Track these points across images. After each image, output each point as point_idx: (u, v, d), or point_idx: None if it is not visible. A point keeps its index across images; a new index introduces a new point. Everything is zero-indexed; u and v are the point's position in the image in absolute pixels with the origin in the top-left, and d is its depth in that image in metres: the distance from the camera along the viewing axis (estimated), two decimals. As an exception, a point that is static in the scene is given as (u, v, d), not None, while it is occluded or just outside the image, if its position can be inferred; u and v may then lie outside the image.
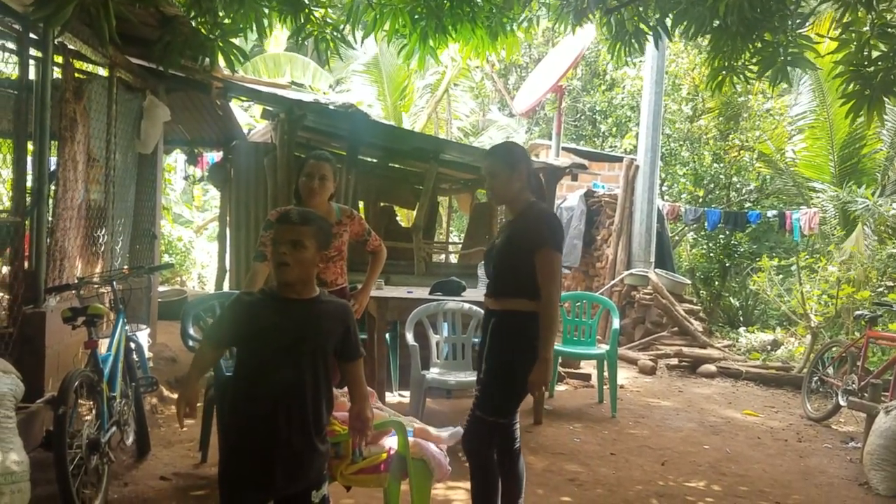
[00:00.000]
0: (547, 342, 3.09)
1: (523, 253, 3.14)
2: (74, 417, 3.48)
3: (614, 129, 14.33)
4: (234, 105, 9.61)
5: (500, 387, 3.20)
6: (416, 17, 4.60)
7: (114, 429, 3.73)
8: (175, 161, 13.27)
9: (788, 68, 4.19)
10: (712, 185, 12.91)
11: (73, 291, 4.15)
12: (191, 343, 4.16)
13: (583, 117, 15.69)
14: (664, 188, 13.01)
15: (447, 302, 5.42)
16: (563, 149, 10.60)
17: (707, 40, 4.59)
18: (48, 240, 4.33)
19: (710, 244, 12.53)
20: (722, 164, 12.87)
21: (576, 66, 12.51)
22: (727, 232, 12.05)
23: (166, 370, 5.92)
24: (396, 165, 9.19)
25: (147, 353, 5.19)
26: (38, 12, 2.87)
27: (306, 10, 4.21)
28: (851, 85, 3.90)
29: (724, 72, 4.50)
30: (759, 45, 4.24)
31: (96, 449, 3.48)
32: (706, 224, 11.39)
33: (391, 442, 3.28)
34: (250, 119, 11.97)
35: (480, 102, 17.82)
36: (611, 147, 14.25)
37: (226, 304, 2.52)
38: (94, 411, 3.70)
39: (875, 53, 3.83)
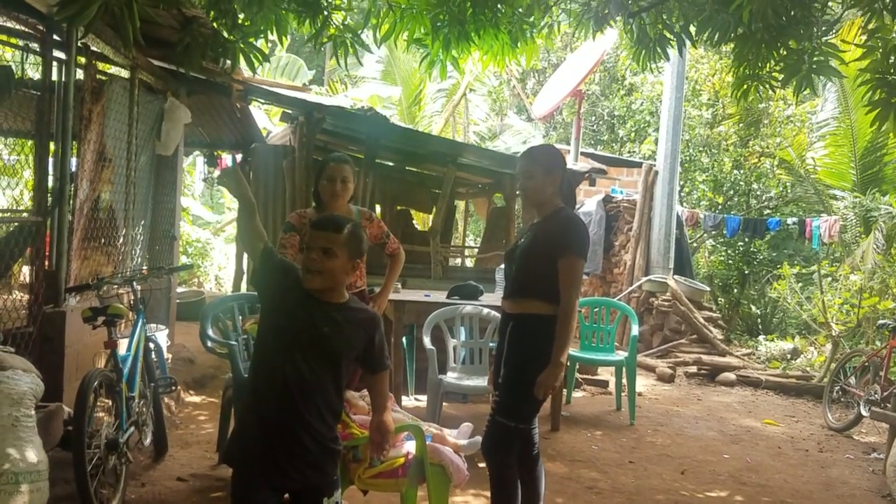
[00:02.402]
0: (561, 347, 3.06)
1: (547, 256, 3.12)
2: (93, 417, 3.49)
3: (633, 134, 14.24)
4: (251, 107, 9.65)
5: (519, 391, 3.17)
6: (438, 24, 4.57)
7: (132, 429, 3.73)
8: (195, 163, 13.37)
9: (813, 76, 4.13)
10: (732, 192, 12.79)
11: (94, 291, 4.17)
12: (209, 344, 4.16)
13: (601, 122, 15.62)
14: (683, 194, 12.92)
15: (464, 306, 5.39)
16: (582, 153, 10.55)
17: (730, 47, 4.53)
18: (69, 240, 4.36)
19: (729, 251, 12.41)
20: (742, 171, 12.75)
21: (595, 70, 12.46)
22: (746, 239, 11.94)
23: (184, 371, 5.94)
24: (413, 169, 9.19)
25: (165, 354, 5.20)
26: (63, 12, 2.88)
27: (324, 14, 4.21)
28: (877, 92, 3.83)
29: (749, 80, 4.45)
30: (784, 52, 4.18)
31: (114, 449, 3.48)
32: (725, 231, 11.30)
33: (409, 446, 3.26)
34: (266, 120, 12.01)
35: (498, 107, 17.79)
36: (629, 152, 14.17)
37: (292, 268, 2.47)
38: (112, 411, 3.71)
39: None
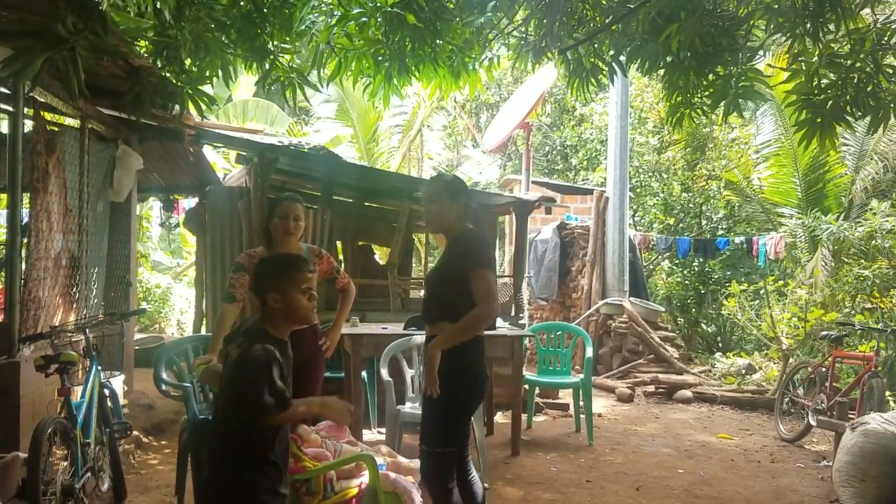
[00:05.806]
0: (451, 334, 3.13)
1: (456, 277, 3.20)
2: (48, 465, 3.50)
3: (585, 163, 14.60)
4: (210, 151, 9.73)
5: (442, 415, 3.22)
6: (380, 58, 4.74)
7: (88, 475, 3.74)
8: (151, 208, 13.33)
9: (740, 100, 4.36)
10: (683, 215, 13.15)
11: (47, 340, 4.19)
12: (163, 387, 4.19)
13: (554, 152, 15.97)
14: (636, 219, 13.25)
15: (417, 336, 5.48)
16: (536, 183, 10.81)
17: (662, 75, 4.75)
18: (22, 291, 4.38)
19: (685, 272, 12.72)
20: (691, 194, 13.12)
21: (542, 103, 12.79)
22: (700, 259, 12.25)
23: (142, 416, 5.92)
24: (373, 204, 9.31)
25: (122, 400, 5.20)
26: (7, 68, 2.97)
27: (271, 57, 4.35)
28: (803, 113, 4.07)
29: (682, 107, 4.67)
30: (712, 78, 4.41)
31: (70, 495, 3.50)
32: (678, 252, 11.61)
33: (363, 477, 3.33)
34: (226, 162, 12.08)
35: (454, 140, 18.08)
36: (583, 180, 14.49)
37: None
38: (68, 458, 3.72)
39: (824, 82, 4.01)
